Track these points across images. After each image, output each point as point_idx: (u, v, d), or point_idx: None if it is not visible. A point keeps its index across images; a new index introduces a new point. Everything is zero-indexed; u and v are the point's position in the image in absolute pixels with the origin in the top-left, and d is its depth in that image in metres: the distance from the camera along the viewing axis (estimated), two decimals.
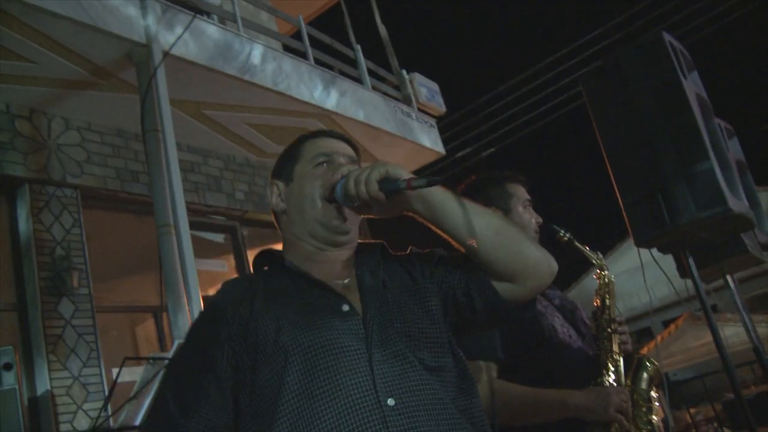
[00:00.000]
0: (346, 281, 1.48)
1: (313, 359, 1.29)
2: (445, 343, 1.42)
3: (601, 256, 2.43)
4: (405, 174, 1.36)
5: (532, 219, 2.40)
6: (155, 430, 1.40)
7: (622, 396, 2.07)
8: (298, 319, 1.35)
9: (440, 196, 1.40)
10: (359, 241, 1.59)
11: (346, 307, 1.38)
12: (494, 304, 1.44)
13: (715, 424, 8.81)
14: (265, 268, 1.54)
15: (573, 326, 2.34)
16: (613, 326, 2.27)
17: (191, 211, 5.15)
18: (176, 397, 1.36)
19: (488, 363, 2.10)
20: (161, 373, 3.23)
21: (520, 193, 2.43)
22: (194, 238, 4.48)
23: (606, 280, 2.36)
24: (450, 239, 1.44)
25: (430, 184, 1.33)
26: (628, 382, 2.26)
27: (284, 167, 1.60)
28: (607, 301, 2.33)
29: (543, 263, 1.45)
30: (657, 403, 2.25)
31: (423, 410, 1.28)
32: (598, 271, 2.41)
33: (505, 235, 1.42)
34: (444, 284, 1.48)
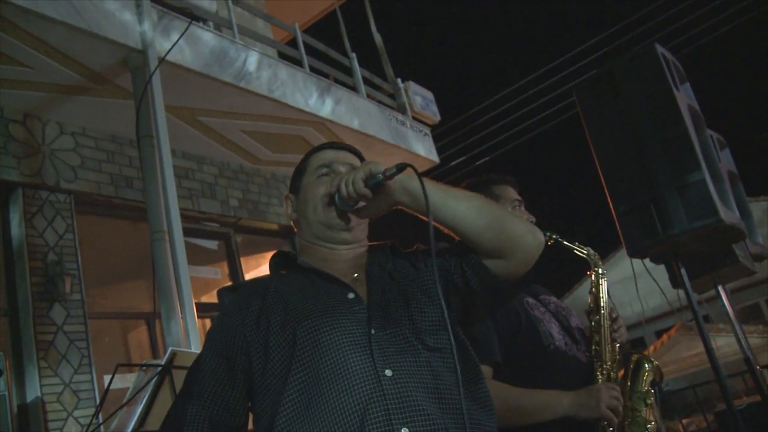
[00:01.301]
0: (356, 275, 1.59)
1: (318, 339, 1.39)
2: (446, 327, 1.46)
3: (592, 251, 2.43)
4: (383, 167, 1.50)
5: (523, 218, 2.36)
6: (173, 413, 1.54)
7: (612, 392, 2.09)
8: (306, 305, 1.47)
9: (420, 185, 1.48)
10: (370, 243, 1.72)
11: (351, 295, 1.49)
12: (488, 281, 1.54)
13: None
14: (282, 271, 1.64)
15: (568, 333, 2.33)
16: (607, 325, 2.28)
17: (185, 217, 5.13)
18: (194, 383, 1.50)
19: (485, 367, 2.09)
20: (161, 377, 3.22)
21: (507, 194, 2.44)
22: (188, 245, 4.46)
23: (598, 274, 2.37)
24: (439, 226, 1.53)
25: (400, 170, 1.46)
26: (627, 382, 2.28)
27: (294, 182, 1.76)
28: (601, 300, 2.33)
29: (527, 234, 1.53)
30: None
31: (420, 383, 1.37)
32: (591, 267, 2.41)
33: (486, 213, 1.51)
34: (443, 271, 1.57)
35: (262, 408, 1.44)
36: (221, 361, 1.49)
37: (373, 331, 1.41)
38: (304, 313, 1.44)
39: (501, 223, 1.51)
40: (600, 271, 2.39)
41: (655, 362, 2.37)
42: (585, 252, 2.41)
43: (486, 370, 2.11)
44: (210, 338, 1.55)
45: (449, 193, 1.52)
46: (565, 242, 2.38)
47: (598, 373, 2.21)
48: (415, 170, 1.48)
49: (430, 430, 1.32)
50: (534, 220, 2.39)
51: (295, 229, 1.75)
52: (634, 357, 2.34)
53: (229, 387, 1.47)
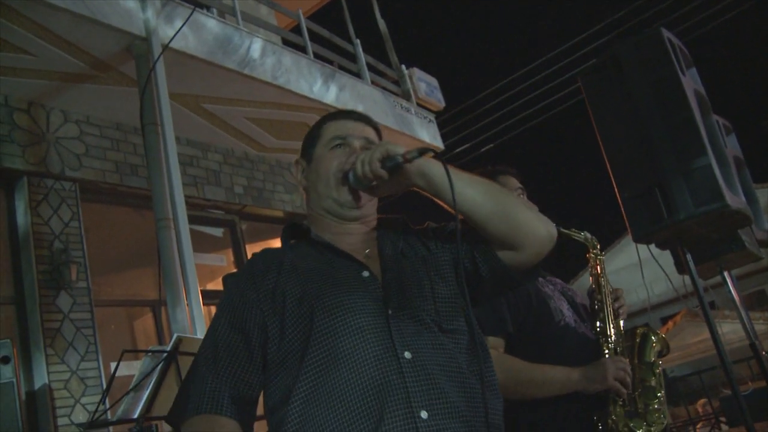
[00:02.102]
0: (368, 251, 1.57)
1: (336, 319, 1.38)
2: (458, 307, 1.49)
3: (589, 235, 2.50)
4: (402, 150, 1.46)
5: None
6: (189, 387, 1.49)
7: (619, 364, 2.15)
8: (322, 283, 1.44)
9: (437, 170, 1.47)
10: (380, 216, 1.69)
11: (366, 273, 1.47)
12: (497, 270, 1.51)
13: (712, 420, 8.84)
14: (292, 241, 1.63)
15: (575, 311, 2.40)
16: (610, 302, 2.35)
17: (190, 205, 5.15)
18: (209, 357, 1.45)
19: (496, 338, 2.19)
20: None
21: (510, 183, 2.49)
22: (193, 232, 4.48)
23: (596, 255, 2.44)
24: (452, 210, 1.49)
25: (421, 154, 1.44)
26: (634, 355, 2.34)
27: (307, 147, 1.70)
28: (601, 279, 2.40)
29: (539, 227, 1.50)
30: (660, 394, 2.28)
31: (437, 365, 1.36)
32: (589, 250, 2.47)
33: (498, 201, 1.49)
34: (454, 254, 1.55)
35: (275, 384, 1.42)
36: (238, 334, 1.45)
37: (390, 312, 1.39)
38: (321, 291, 1.42)
39: (508, 210, 1.48)
40: (597, 252, 2.45)
41: (661, 334, 2.41)
42: (581, 236, 2.48)
43: (497, 341, 2.20)
44: (225, 309, 1.51)
45: (457, 177, 1.48)
46: (561, 229, 2.40)
47: (604, 348, 2.26)
48: (438, 156, 1.45)
49: (448, 412, 1.32)
50: (536, 208, 2.42)
51: (304, 195, 1.71)
52: (640, 330, 2.40)
53: (246, 361, 1.43)
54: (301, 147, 1.73)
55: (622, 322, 2.35)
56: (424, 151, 1.45)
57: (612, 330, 2.29)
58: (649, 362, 2.33)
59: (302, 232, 1.63)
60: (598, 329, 2.32)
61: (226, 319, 1.48)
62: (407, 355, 1.34)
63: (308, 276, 1.47)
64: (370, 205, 1.63)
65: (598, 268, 2.44)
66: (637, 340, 2.38)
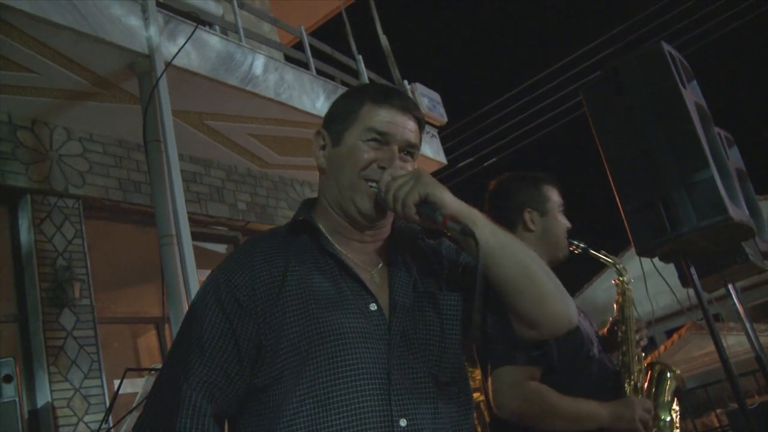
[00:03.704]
0: (379, 267, 1.46)
1: (335, 354, 1.29)
2: (460, 357, 1.43)
3: (618, 260, 2.45)
4: (446, 199, 1.32)
5: (564, 224, 2.41)
6: (170, 371, 1.37)
7: (645, 405, 2.12)
8: (326, 309, 1.33)
9: (476, 237, 1.30)
10: (395, 222, 1.55)
11: (374, 306, 1.37)
12: (506, 336, 1.42)
13: None
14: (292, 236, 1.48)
15: (599, 340, 2.36)
16: (634, 336, 2.30)
17: (193, 221, 5.14)
18: (192, 344, 1.33)
19: (534, 368, 2.09)
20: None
21: (555, 196, 2.44)
22: (196, 249, 4.45)
23: (624, 283, 2.39)
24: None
25: (464, 233, 1.28)
26: (651, 392, 2.31)
27: (336, 122, 1.52)
28: (626, 310, 2.35)
29: (563, 317, 1.41)
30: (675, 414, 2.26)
31: None
32: (617, 277, 2.42)
33: (533, 280, 1.36)
34: (465, 300, 1.45)
35: (252, 415, 1.33)
36: (227, 326, 1.33)
37: (392, 369, 1.31)
38: (323, 318, 1.31)
39: (540, 289, 1.36)
40: (626, 280, 2.40)
41: (677, 371, 2.37)
42: (612, 260, 2.42)
43: (534, 370, 2.09)
44: (213, 294, 1.38)
45: (505, 243, 1.35)
46: (591, 251, 2.39)
47: (626, 384, 2.23)
48: (477, 241, 1.27)
49: None
50: (570, 226, 2.41)
51: (320, 175, 1.54)
52: (657, 367, 2.37)
53: (236, 362, 1.32)
54: (328, 116, 1.56)
55: (643, 356, 2.30)
56: (468, 232, 1.28)
57: (635, 366, 2.25)
58: (665, 401, 2.29)
59: (311, 231, 1.46)
60: (620, 362, 2.27)
61: (216, 306, 1.36)
62: (402, 423, 1.28)
63: (313, 297, 1.34)
64: (390, 216, 1.49)
65: (625, 296, 2.38)
66: (654, 376, 2.34)
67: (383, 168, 1.42)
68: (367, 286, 1.39)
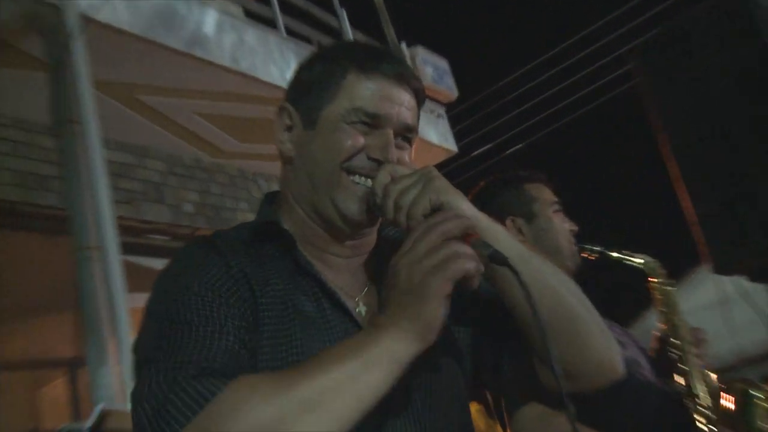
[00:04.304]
0: (364, 293, 1.47)
1: None
2: (466, 404, 1.49)
3: (648, 257, 2.46)
4: (465, 210, 1.30)
5: (565, 226, 2.45)
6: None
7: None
8: (315, 340, 1.33)
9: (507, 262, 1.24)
10: (380, 234, 1.56)
11: None
12: (526, 382, 1.45)
13: None
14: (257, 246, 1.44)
15: (650, 361, 2.39)
16: (691, 349, 2.29)
17: (123, 228, 5.09)
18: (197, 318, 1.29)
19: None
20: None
21: (545, 195, 2.49)
22: (127, 265, 4.44)
23: (663, 285, 2.40)
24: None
25: (494, 260, 1.21)
26: (738, 421, 2.26)
27: (308, 95, 1.47)
28: (675, 318, 2.34)
29: (606, 367, 1.42)
30: None
31: None
32: (649, 278, 2.44)
33: (572, 319, 1.35)
34: (473, 343, 1.50)
35: None
36: (233, 298, 1.30)
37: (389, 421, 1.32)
38: (310, 353, 1.30)
39: (581, 332, 1.36)
40: (663, 281, 2.41)
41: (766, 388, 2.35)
42: (640, 260, 2.44)
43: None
44: (200, 282, 1.33)
45: (533, 266, 1.32)
46: (613, 254, 2.43)
47: (695, 415, 2.22)
48: (514, 270, 1.20)
49: None
50: (576, 229, 2.46)
51: (285, 165, 1.51)
52: (738, 386, 2.31)
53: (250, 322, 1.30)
54: (296, 85, 1.51)
55: (714, 376, 2.29)
56: (497, 259, 1.20)
57: (700, 387, 2.24)
58: (759, 429, 2.25)
59: (282, 240, 1.43)
60: (680, 386, 2.26)
61: (209, 288, 1.31)
62: None
63: (294, 324, 1.33)
64: (377, 223, 1.49)
65: (667, 302, 2.39)
66: (738, 400, 2.30)
67: (375, 159, 1.39)
68: (353, 315, 1.40)
